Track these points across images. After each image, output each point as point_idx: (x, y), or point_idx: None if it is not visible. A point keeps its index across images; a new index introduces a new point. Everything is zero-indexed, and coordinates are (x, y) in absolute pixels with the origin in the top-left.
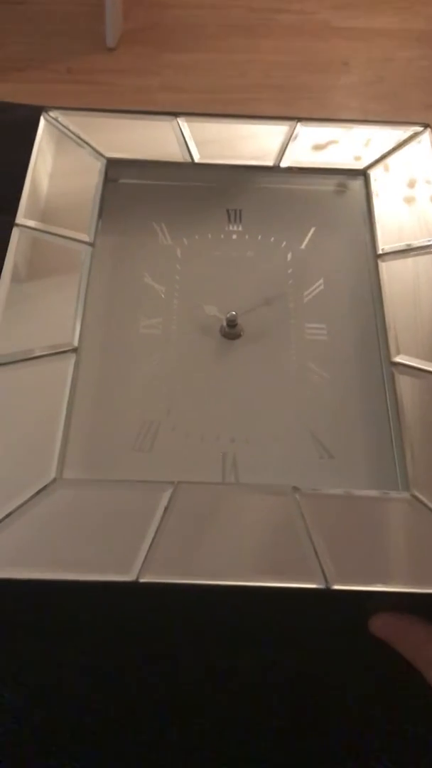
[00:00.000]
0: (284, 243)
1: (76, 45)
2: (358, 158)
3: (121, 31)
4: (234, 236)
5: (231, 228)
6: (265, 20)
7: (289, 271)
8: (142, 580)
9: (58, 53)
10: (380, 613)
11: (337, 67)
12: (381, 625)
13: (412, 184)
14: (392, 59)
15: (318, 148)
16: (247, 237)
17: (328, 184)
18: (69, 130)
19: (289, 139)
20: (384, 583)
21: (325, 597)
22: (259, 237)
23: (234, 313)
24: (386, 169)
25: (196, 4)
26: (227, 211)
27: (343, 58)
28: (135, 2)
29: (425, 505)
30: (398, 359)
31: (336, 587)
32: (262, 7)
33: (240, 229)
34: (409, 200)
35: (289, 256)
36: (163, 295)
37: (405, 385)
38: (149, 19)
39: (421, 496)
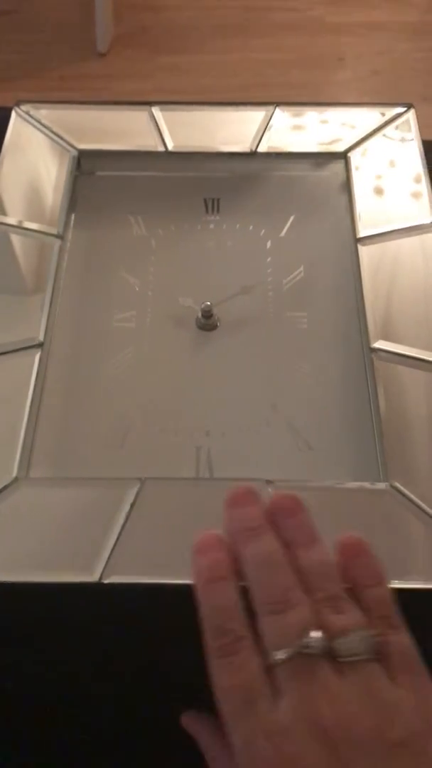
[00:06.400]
0: (263, 231)
1: (68, 52)
2: (338, 141)
3: (111, 36)
4: (211, 225)
5: (209, 217)
6: (258, 19)
7: (269, 259)
8: (105, 581)
9: (50, 61)
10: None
11: (332, 62)
12: (187, 721)
13: (394, 166)
14: (387, 52)
15: (297, 132)
16: (224, 226)
17: (308, 169)
18: (40, 123)
19: (266, 124)
20: None
21: None
22: (237, 226)
23: (209, 303)
24: (368, 151)
25: (187, 5)
26: (204, 200)
27: (338, 54)
28: (126, 6)
29: (405, 495)
30: (377, 345)
31: None
32: (255, 5)
33: (218, 218)
34: (391, 182)
35: (269, 244)
36: (137, 288)
37: (385, 371)
38: (140, 22)
39: (400, 487)
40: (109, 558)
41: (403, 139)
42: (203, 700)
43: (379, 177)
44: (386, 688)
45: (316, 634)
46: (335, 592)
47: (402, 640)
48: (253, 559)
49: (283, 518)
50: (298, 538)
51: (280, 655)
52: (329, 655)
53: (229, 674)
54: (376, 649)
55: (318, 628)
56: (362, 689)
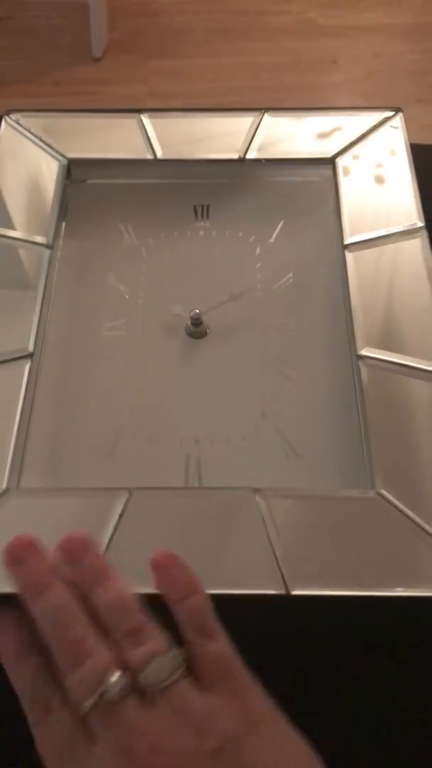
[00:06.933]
0: (252, 237)
1: (63, 57)
2: (326, 146)
3: (106, 40)
4: (201, 232)
5: (198, 224)
6: (252, 22)
7: (258, 265)
8: None
9: (45, 66)
10: None
11: (325, 65)
12: None
13: (382, 170)
14: (380, 55)
15: (285, 138)
16: (214, 233)
17: (296, 175)
18: (30, 132)
19: (255, 130)
20: (347, 587)
21: (286, 603)
22: (227, 232)
23: (198, 311)
24: (356, 156)
25: (182, 10)
26: (194, 207)
27: (332, 56)
28: (120, 12)
29: (392, 503)
30: (364, 352)
31: (296, 593)
32: (249, 9)
33: (207, 224)
34: (379, 187)
35: (258, 250)
36: (127, 296)
37: (372, 378)
38: (135, 27)
39: (387, 495)
40: None
41: (391, 143)
42: None
43: (367, 182)
44: (198, 702)
45: (113, 677)
46: (134, 625)
47: (215, 648)
48: (42, 618)
49: (72, 562)
50: (90, 579)
51: (85, 706)
52: (136, 690)
53: (45, 736)
54: (185, 666)
55: (118, 668)
56: (172, 711)
